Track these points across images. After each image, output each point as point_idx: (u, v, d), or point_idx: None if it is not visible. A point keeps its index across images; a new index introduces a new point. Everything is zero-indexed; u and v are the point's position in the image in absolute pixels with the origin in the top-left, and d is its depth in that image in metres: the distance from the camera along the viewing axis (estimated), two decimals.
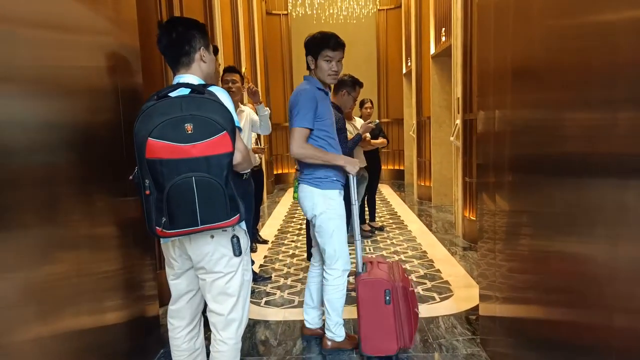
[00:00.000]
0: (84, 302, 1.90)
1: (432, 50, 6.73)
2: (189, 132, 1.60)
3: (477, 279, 3.63)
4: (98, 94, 2.11)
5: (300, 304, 3.34)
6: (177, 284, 1.96)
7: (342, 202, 2.54)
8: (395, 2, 9.76)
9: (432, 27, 6.68)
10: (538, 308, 2.02)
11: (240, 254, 1.82)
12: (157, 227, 1.70)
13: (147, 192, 1.68)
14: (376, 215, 5.77)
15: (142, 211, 1.75)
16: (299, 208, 7.22)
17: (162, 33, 1.83)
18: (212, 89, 1.76)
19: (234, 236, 1.80)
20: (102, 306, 2.09)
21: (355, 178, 2.54)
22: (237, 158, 1.70)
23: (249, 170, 1.92)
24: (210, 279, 1.84)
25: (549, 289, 1.89)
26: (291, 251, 4.77)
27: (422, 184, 7.64)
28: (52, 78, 1.76)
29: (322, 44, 2.44)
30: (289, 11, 9.14)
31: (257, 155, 3.94)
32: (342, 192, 2.54)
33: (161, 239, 1.89)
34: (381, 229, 5.50)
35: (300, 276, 3.95)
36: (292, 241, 5.19)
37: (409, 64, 8.62)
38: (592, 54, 1.50)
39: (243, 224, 1.88)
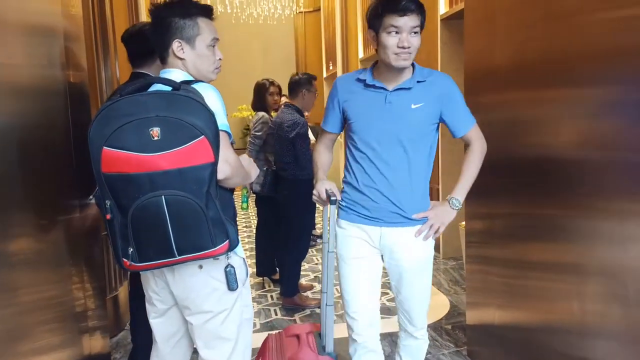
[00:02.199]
0: (10, 341, 1.48)
1: (361, 54, 6.70)
2: (155, 138, 1.26)
3: (450, 287, 3.59)
4: (46, 93, 1.73)
5: (263, 327, 3.03)
6: (160, 324, 1.60)
7: (348, 239, 1.81)
8: (314, 5, 9.68)
9: (359, 30, 6.66)
10: (535, 316, 1.97)
11: (236, 287, 1.49)
12: (124, 259, 1.36)
13: (108, 216, 1.33)
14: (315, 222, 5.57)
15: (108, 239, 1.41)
16: None
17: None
18: (199, 85, 1.43)
19: (228, 265, 1.47)
20: (35, 346, 1.66)
21: (330, 208, 1.78)
22: (225, 171, 1.39)
23: None
24: (200, 321, 1.50)
25: (548, 296, 1.86)
26: None
27: None
28: None
29: (385, 8, 1.63)
30: None
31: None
32: (353, 224, 1.78)
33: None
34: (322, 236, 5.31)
35: (253, 294, 3.62)
36: None
37: (331, 67, 8.56)
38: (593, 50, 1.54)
39: (240, 250, 1.55)
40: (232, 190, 1.54)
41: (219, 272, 1.48)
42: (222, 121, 1.39)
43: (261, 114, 3.63)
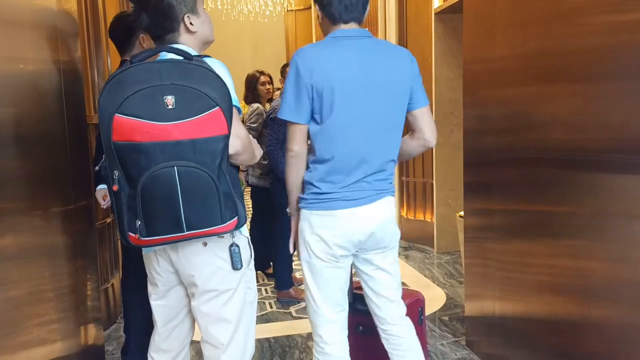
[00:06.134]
0: (2, 335, 1.47)
1: None
2: (170, 106, 1.23)
3: (446, 280, 3.60)
4: (42, 88, 1.73)
5: (258, 320, 3.00)
6: (161, 306, 1.57)
7: None
8: (305, 4, 9.66)
9: None
10: (536, 307, 1.97)
11: (240, 266, 1.47)
12: (131, 233, 1.32)
13: (115, 187, 1.29)
14: None
15: (112, 212, 1.38)
16: None
17: (138, 9, 1.44)
18: (208, 59, 1.41)
19: (233, 244, 1.46)
20: (28, 339, 1.64)
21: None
22: (236, 146, 1.38)
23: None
24: (203, 300, 1.49)
25: (551, 289, 1.86)
26: None
27: None
28: None
29: None
30: None
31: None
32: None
33: (142, 249, 1.50)
34: None
35: None
36: None
37: None
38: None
39: (245, 230, 1.54)
40: (238, 168, 1.53)
41: (223, 251, 1.46)
42: (234, 96, 1.38)
43: (255, 105, 3.60)
